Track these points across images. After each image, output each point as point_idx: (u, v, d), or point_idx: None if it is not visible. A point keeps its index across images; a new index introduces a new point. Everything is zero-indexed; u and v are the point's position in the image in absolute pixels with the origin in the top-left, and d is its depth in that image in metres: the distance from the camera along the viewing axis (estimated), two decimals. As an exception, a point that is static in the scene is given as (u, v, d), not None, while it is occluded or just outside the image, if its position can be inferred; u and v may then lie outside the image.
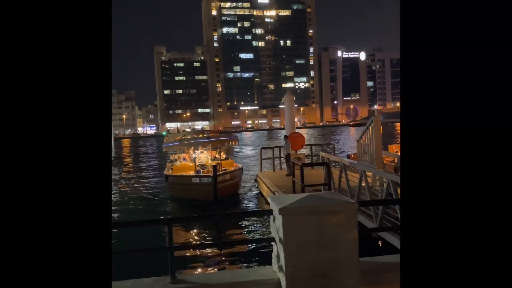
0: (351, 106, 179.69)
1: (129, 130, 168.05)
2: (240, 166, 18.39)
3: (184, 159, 18.76)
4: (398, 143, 18.11)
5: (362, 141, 8.80)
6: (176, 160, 18.81)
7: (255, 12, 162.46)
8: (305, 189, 9.90)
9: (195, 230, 11.80)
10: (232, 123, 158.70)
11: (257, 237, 11.20)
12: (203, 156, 17.56)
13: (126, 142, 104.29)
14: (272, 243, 3.47)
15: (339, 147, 37.34)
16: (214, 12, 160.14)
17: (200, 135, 18.89)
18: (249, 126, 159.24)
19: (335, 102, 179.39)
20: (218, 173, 14.93)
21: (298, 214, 3.08)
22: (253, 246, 9.55)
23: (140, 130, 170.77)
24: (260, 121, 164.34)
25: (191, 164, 17.63)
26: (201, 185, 15.16)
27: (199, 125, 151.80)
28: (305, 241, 3.07)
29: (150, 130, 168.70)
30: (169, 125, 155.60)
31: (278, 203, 3.18)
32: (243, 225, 12.12)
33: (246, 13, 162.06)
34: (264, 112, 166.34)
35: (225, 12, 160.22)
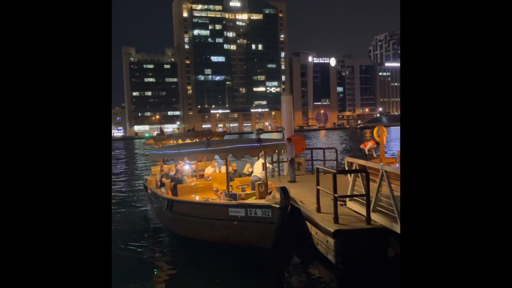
0: (321, 111, 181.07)
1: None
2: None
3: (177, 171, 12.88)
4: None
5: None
6: (184, 176, 12.65)
7: (227, 15, 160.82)
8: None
9: None
10: (203, 126, 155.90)
11: None
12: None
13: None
14: None
15: (329, 152, 34.92)
16: (185, 14, 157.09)
17: (204, 139, 14.82)
18: (220, 129, 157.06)
19: (306, 107, 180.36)
20: (277, 199, 8.42)
21: None
22: None
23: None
24: (231, 125, 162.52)
25: (193, 183, 12.07)
26: (249, 221, 8.82)
27: (168, 128, 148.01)
28: None
29: (118, 133, 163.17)
30: (137, 128, 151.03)
31: None
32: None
33: (218, 15, 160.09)
34: (236, 115, 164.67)
35: (196, 14, 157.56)
